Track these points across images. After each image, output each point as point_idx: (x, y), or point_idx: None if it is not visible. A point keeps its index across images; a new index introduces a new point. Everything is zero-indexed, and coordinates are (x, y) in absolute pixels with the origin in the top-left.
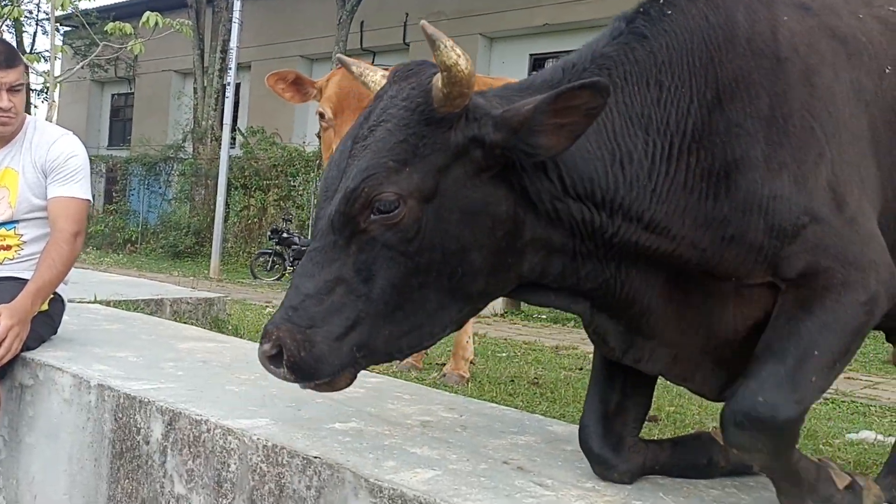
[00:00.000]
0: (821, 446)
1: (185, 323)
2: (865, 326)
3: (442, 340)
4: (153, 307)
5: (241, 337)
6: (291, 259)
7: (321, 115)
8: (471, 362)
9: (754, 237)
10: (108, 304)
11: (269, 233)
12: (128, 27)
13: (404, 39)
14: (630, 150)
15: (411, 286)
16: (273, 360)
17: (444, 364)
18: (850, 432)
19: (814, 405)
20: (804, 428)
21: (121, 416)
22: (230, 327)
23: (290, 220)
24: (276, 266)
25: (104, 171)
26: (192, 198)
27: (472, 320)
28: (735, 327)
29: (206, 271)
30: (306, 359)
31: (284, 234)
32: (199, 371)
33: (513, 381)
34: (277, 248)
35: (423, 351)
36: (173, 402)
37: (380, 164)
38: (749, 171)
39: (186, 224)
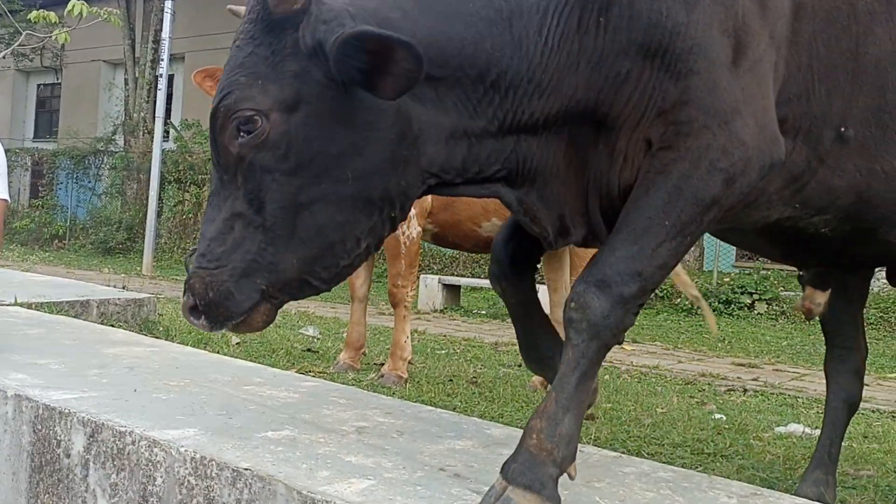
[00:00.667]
0: (751, 441)
1: (113, 325)
2: (723, 197)
3: (381, 340)
4: (79, 309)
5: (172, 339)
6: None
7: None
8: (409, 362)
9: (648, 74)
10: (29, 306)
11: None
12: (52, 16)
13: None
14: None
15: (303, 204)
16: (193, 311)
17: (383, 364)
18: (778, 425)
19: (743, 398)
20: (734, 422)
21: (40, 427)
22: (161, 329)
23: None
24: None
25: (30, 164)
26: (124, 192)
27: (409, 318)
28: (619, 183)
29: (138, 268)
30: (214, 299)
31: None
32: (125, 378)
33: (451, 380)
34: None
35: (361, 350)
36: (96, 412)
37: (231, 82)
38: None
39: (118, 219)
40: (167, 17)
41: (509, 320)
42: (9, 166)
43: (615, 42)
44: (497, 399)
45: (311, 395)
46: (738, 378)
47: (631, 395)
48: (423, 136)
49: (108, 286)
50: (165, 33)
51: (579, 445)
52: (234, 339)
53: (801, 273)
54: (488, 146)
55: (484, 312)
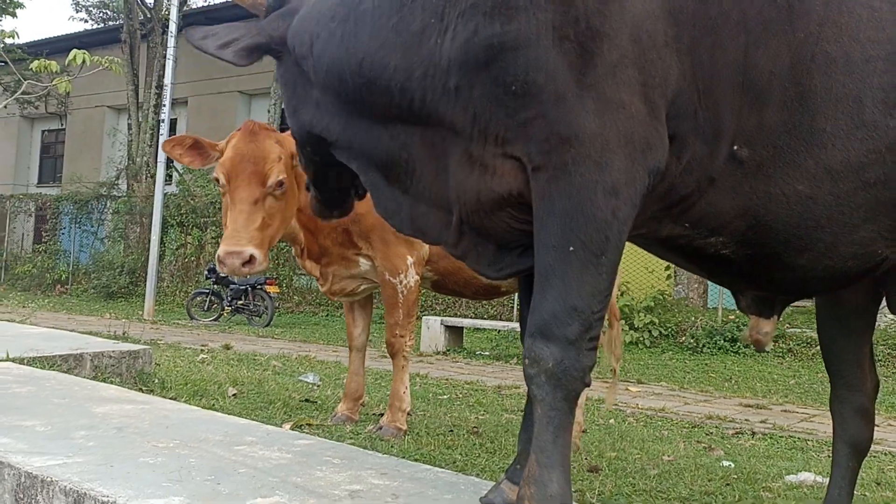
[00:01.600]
0: (761, 492)
1: (107, 379)
2: (619, 210)
3: (382, 385)
4: (72, 363)
5: (167, 391)
6: (230, 298)
7: (217, 181)
8: (408, 413)
9: (480, 90)
10: (21, 361)
11: (205, 272)
12: (54, 65)
13: None
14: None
15: None
16: None
17: (383, 414)
18: (789, 473)
19: (752, 442)
20: (743, 470)
21: (22, 496)
22: (157, 381)
23: None
24: (214, 306)
25: (33, 209)
26: (127, 236)
27: (408, 369)
28: (478, 197)
29: (140, 313)
30: None
31: (222, 273)
32: (112, 440)
33: (452, 430)
34: (215, 287)
35: (359, 401)
36: (79, 480)
37: None
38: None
39: (120, 263)
40: (169, 63)
41: (512, 362)
42: (13, 212)
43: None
44: (499, 451)
45: (305, 455)
46: (746, 420)
47: (636, 442)
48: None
49: (109, 332)
50: (167, 79)
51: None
52: (231, 390)
53: (737, 298)
54: (362, 135)
55: (487, 354)
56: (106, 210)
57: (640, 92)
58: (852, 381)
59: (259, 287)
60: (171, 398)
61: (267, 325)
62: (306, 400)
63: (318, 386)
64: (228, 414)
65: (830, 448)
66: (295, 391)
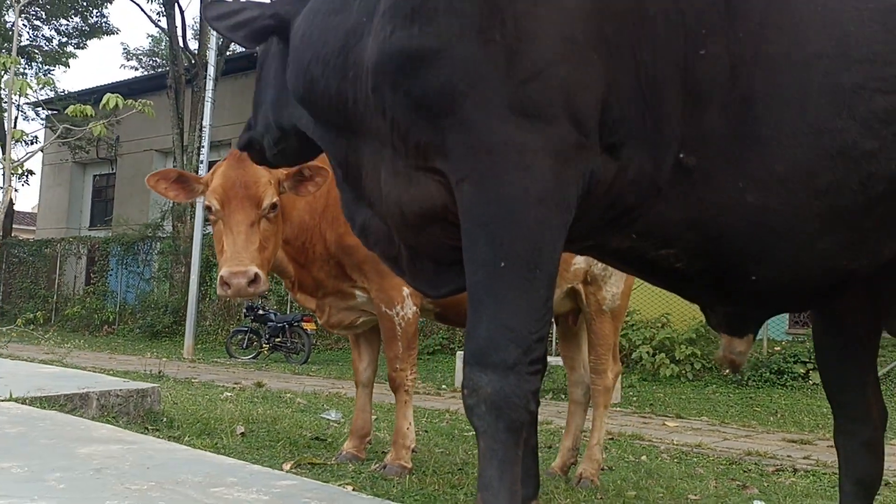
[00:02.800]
0: None
1: (114, 418)
2: (550, 219)
3: (387, 424)
4: (77, 402)
5: (172, 431)
6: (268, 336)
7: (209, 209)
8: (413, 450)
9: (399, 95)
10: (23, 401)
11: (244, 310)
12: (88, 108)
13: None
14: None
15: None
16: None
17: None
18: None
19: (792, 479)
20: None
21: None
22: (164, 420)
23: (266, 298)
24: (253, 344)
25: (84, 252)
26: (171, 276)
27: (411, 404)
28: (401, 210)
29: (181, 352)
30: None
31: (260, 311)
32: (86, 482)
33: (461, 469)
34: (254, 325)
35: (366, 439)
36: None
37: None
38: None
39: (164, 303)
40: (207, 106)
41: (548, 397)
42: (63, 255)
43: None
44: None
45: (282, 497)
46: (789, 456)
47: (664, 480)
48: None
49: (144, 371)
50: (206, 121)
51: None
52: (240, 428)
53: (707, 314)
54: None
55: None
56: (152, 251)
57: (571, 95)
58: (857, 412)
59: (296, 324)
60: (173, 437)
61: (304, 363)
62: (316, 438)
63: (339, 423)
64: (229, 453)
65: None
66: (309, 429)
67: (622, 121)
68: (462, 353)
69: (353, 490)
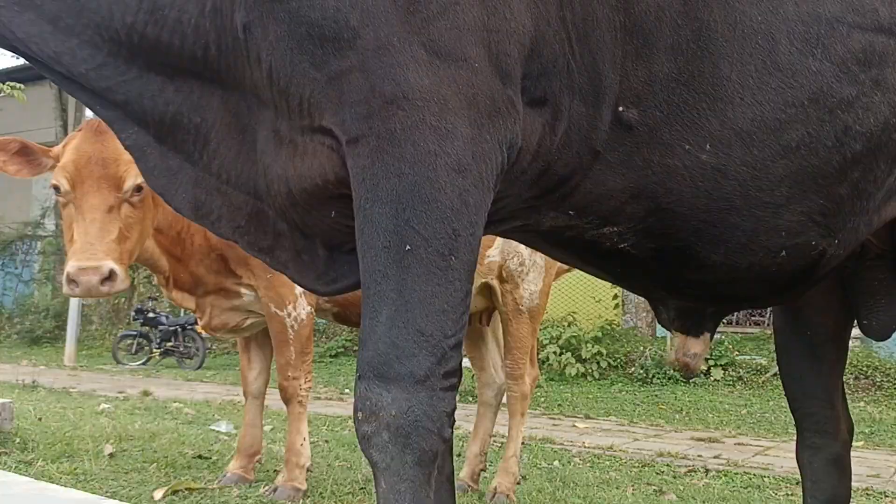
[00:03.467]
0: None
1: None
2: (468, 193)
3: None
4: None
5: (25, 454)
6: (159, 340)
7: (56, 189)
8: (308, 469)
9: (276, 32)
10: None
11: (132, 313)
12: None
13: None
14: None
15: None
16: None
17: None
18: None
19: (705, 481)
20: None
21: None
22: (17, 441)
23: (157, 299)
24: (144, 349)
25: None
26: (54, 278)
27: (305, 416)
28: (289, 188)
29: (62, 358)
30: None
31: (151, 314)
32: None
33: (363, 488)
34: (143, 328)
35: (255, 458)
36: None
37: None
38: None
39: (46, 307)
40: None
41: (470, 399)
42: None
43: None
44: None
45: None
46: (699, 456)
47: (580, 488)
48: None
49: (17, 382)
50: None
51: None
52: (108, 448)
53: (658, 310)
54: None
55: None
56: (32, 251)
57: (487, 39)
58: (825, 425)
59: (189, 327)
60: (23, 462)
61: (198, 368)
62: (199, 456)
63: (229, 436)
64: (89, 480)
65: (788, 484)
66: (193, 445)
67: (551, 71)
68: None
69: None
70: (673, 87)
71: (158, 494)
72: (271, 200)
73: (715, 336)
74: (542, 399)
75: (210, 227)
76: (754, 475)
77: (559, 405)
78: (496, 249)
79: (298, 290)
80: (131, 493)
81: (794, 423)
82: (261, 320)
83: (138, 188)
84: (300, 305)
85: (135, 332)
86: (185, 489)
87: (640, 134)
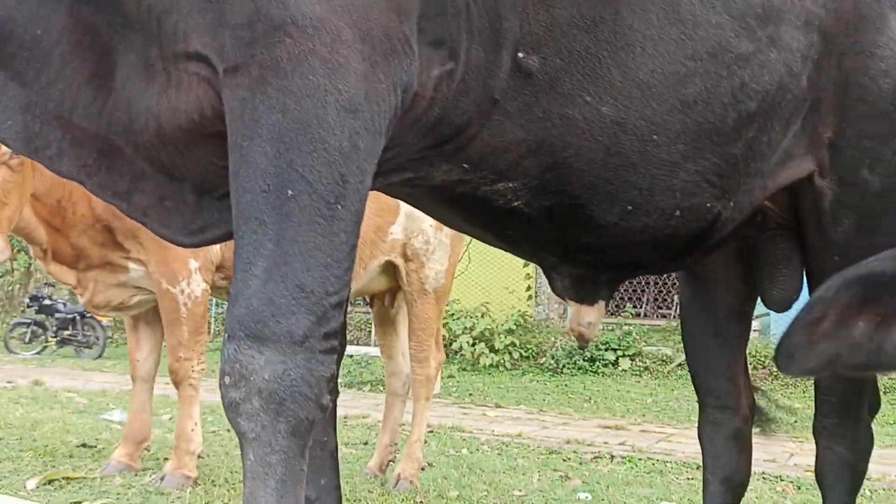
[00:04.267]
0: None
1: None
2: (359, 136)
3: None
4: None
5: None
6: (55, 329)
7: None
8: (199, 456)
9: None
10: None
11: (27, 300)
12: None
13: None
14: None
15: None
16: None
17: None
18: (650, 502)
19: (610, 467)
20: (601, 501)
21: None
22: None
23: (54, 285)
24: (38, 337)
25: None
26: None
27: (198, 401)
28: (159, 123)
29: None
30: None
31: (46, 301)
32: None
33: None
34: (38, 316)
35: (143, 445)
36: None
37: None
38: None
39: None
40: None
41: (365, 389)
42: None
43: None
44: None
45: None
46: (605, 443)
47: (487, 475)
48: None
49: None
50: None
51: None
52: None
53: (551, 278)
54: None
55: (340, 381)
56: None
57: None
58: (726, 401)
59: (89, 315)
60: None
61: (98, 358)
62: (84, 445)
63: (123, 424)
64: None
65: (689, 469)
66: (79, 434)
67: (446, 10)
68: None
69: None
70: (574, 33)
71: (31, 484)
72: (134, 137)
73: (624, 327)
74: (454, 388)
75: (47, 163)
76: (657, 460)
77: (470, 395)
78: (399, 226)
79: (193, 265)
80: (2, 482)
81: (697, 402)
82: (150, 297)
83: None
84: (195, 282)
85: (29, 320)
86: (63, 478)
87: (540, 83)
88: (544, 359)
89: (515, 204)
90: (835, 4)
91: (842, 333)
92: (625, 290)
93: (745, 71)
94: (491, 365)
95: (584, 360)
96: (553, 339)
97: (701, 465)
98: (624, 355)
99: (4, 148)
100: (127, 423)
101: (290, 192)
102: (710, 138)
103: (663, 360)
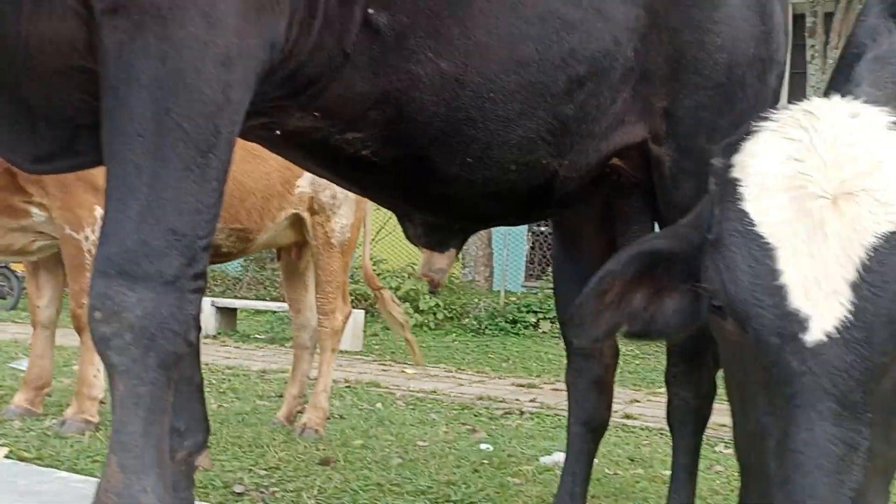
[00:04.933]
0: (508, 478)
1: None
2: (231, 89)
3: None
4: None
5: None
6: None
7: None
8: (101, 401)
9: None
10: None
11: None
12: None
13: None
14: None
15: None
16: None
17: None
18: (546, 454)
19: (518, 422)
20: (499, 453)
21: None
22: None
23: None
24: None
25: None
26: None
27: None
28: (27, 47)
29: None
30: None
31: None
32: None
33: None
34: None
35: (44, 391)
36: None
37: None
38: None
39: None
40: None
41: (288, 344)
42: None
43: None
44: (225, 446)
45: None
46: (517, 400)
47: (395, 427)
48: None
49: None
50: None
51: None
52: None
53: (405, 226)
54: None
55: (262, 337)
56: None
57: None
58: (590, 350)
59: (3, 266)
60: None
61: (12, 309)
62: None
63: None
64: None
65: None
66: None
67: None
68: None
69: (9, 454)
70: None
71: None
72: None
73: (545, 291)
74: (377, 346)
75: None
76: (564, 416)
77: (392, 353)
78: (306, 180)
79: (99, 212)
80: None
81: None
82: (52, 243)
83: None
84: (99, 228)
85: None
86: None
87: (388, 39)
88: (467, 320)
89: (364, 153)
90: None
91: (623, 304)
92: (547, 255)
93: (573, 37)
94: (415, 325)
95: (506, 321)
96: (476, 300)
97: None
98: (545, 318)
99: None
100: (27, 369)
101: (165, 138)
102: (543, 98)
103: None
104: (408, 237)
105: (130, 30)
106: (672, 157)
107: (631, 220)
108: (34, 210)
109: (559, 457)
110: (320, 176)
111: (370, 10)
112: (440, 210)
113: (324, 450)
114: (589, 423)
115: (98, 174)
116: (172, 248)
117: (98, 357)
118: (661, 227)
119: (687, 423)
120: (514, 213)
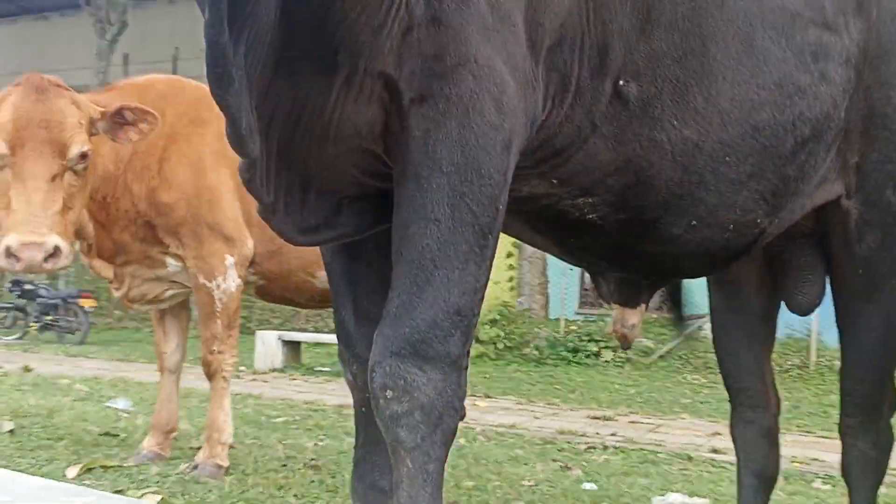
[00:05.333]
0: None
1: None
2: (509, 171)
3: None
4: None
5: None
6: (37, 314)
7: None
8: (231, 446)
9: None
10: None
11: (8, 284)
12: None
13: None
14: None
15: None
16: None
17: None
18: (652, 493)
19: (605, 457)
20: (606, 492)
21: None
22: None
23: None
24: (18, 322)
25: None
26: None
27: (228, 393)
28: (328, 122)
29: None
30: None
31: (28, 286)
32: None
33: (285, 465)
34: (20, 301)
35: (171, 434)
36: None
37: None
38: None
39: None
40: None
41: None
42: None
43: None
44: (341, 487)
45: None
46: (597, 433)
47: (492, 465)
48: None
49: None
50: None
51: None
52: (7, 424)
53: (598, 283)
54: None
55: (328, 370)
56: None
57: (526, 7)
58: (756, 399)
59: (71, 301)
60: None
61: (81, 344)
62: (107, 433)
63: (130, 413)
64: None
65: (680, 460)
66: (96, 422)
67: (568, 43)
68: (262, 332)
69: (163, 500)
70: (668, 63)
71: (72, 472)
72: (290, 129)
73: (605, 318)
74: None
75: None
76: (649, 451)
77: None
78: None
79: (229, 261)
80: (42, 470)
81: (728, 399)
82: (182, 291)
83: (83, 155)
84: (230, 277)
85: (9, 305)
86: (100, 467)
87: (635, 108)
88: (528, 349)
89: (590, 217)
90: (864, 41)
91: None
92: None
93: (802, 101)
94: (476, 355)
95: (566, 350)
96: (536, 329)
97: (693, 456)
98: (606, 347)
99: (72, 152)
100: (155, 413)
101: (458, 223)
102: (772, 160)
103: (644, 352)
104: (600, 294)
105: (437, 118)
106: (858, 211)
107: (804, 269)
108: (170, 260)
109: (674, 497)
110: (519, 237)
111: (621, 82)
112: (641, 269)
113: (447, 491)
114: (761, 472)
115: (227, 223)
116: (457, 328)
117: (227, 402)
118: (834, 277)
119: (866, 475)
120: (710, 268)
